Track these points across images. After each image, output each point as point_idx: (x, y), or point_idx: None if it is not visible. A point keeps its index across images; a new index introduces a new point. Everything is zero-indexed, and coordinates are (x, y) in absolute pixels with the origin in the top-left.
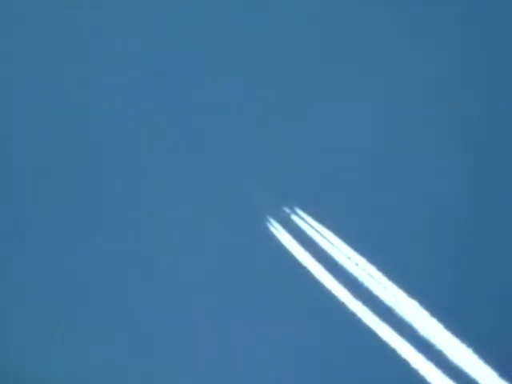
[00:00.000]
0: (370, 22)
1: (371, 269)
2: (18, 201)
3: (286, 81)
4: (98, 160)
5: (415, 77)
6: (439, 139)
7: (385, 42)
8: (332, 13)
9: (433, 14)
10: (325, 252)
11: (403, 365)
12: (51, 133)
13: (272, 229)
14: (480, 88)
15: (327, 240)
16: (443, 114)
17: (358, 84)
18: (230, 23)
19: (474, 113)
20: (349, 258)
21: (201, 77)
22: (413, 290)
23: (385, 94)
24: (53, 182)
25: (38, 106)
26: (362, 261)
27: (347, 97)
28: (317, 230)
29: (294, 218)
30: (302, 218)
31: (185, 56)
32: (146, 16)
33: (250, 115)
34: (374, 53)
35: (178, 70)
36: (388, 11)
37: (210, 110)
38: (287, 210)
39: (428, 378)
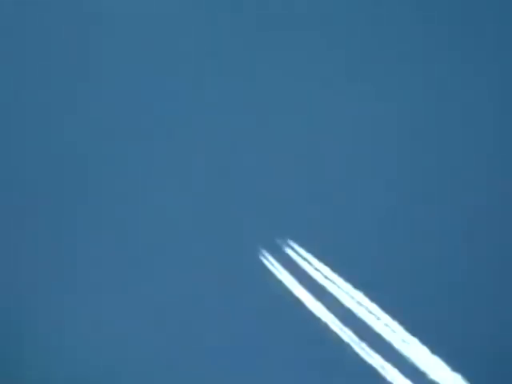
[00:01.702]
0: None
1: (368, 303)
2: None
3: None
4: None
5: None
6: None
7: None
8: (332, 17)
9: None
10: (318, 285)
11: None
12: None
13: (265, 261)
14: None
15: (321, 273)
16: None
17: (361, 116)
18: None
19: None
20: (344, 291)
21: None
22: (412, 326)
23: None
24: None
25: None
26: (357, 294)
27: (345, 128)
28: (310, 263)
29: (288, 250)
30: (296, 251)
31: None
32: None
33: (244, 142)
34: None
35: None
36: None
37: (199, 137)
38: (280, 241)
39: None
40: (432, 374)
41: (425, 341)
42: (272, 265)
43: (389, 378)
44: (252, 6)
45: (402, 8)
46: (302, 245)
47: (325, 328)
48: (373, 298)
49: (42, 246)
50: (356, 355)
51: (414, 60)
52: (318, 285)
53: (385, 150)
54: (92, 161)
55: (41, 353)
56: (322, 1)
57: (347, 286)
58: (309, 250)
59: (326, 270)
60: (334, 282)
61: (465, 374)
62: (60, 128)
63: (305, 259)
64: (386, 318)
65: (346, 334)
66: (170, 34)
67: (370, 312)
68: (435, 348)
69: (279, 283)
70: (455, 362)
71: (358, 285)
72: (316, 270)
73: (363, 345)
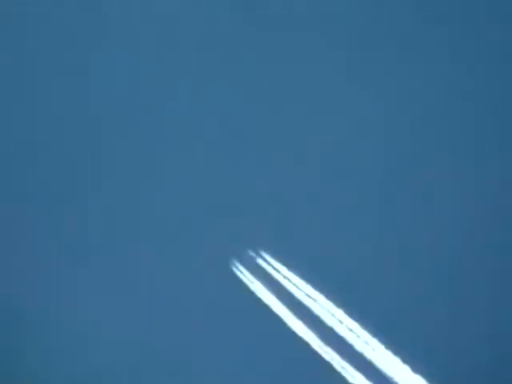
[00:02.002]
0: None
1: (339, 313)
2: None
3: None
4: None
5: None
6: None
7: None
8: (331, 17)
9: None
10: (292, 297)
11: None
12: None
13: (236, 271)
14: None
15: (294, 285)
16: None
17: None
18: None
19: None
20: (318, 303)
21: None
22: (385, 337)
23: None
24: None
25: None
26: (328, 304)
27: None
28: (281, 273)
29: (259, 260)
30: (267, 261)
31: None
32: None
33: (218, 154)
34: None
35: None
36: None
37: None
38: (252, 252)
39: None
40: None
41: (406, 359)
42: (243, 275)
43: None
44: (252, 5)
45: (401, 9)
46: (273, 255)
47: (295, 337)
48: (346, 310)
49: (42, 246)
50: (321, 359)
51: (413, 61)
52: (289, 295)
53: (364, 159)
54: (88, 165)
55: (41, 352)
56: (321, 1)
57: (318, 296)
58: (280, 261)
59: (297, 279)
60: (305, 293)
61: None
62: (60, 124)
63: (276, 269)
64: (359, 329)
65: (316, 343)
66: (170, 35)
67: (343, 323)
68: (416, 366)
69: (250, 293)
70: (437, 380)
71: (329, 294)
72: (287, 279)
73: (327, 349)
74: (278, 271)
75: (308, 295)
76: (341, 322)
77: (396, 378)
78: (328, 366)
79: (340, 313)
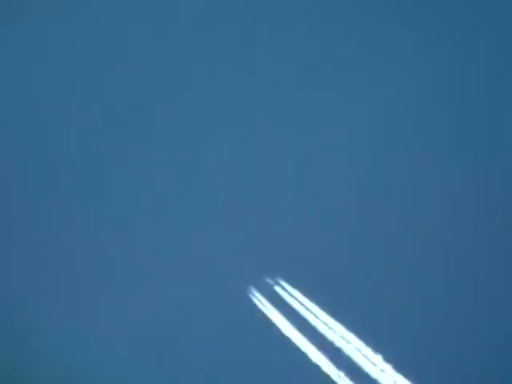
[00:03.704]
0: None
1: (358, 343)
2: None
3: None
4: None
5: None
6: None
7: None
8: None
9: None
10: (309, 324)
11: None
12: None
13: (254, 299)
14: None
15: (311, 312)
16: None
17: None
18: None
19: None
20: (334, 331)
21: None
22: (403, 367)
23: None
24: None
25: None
26: (348, 335)
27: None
28: (301, 302)
29: (278, 288)
30: (286, 290)
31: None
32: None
33: (233, 181)
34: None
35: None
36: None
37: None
38: (270, 280)
39: None
40: None
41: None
42: (261, 303)
43: None
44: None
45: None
46: (291, 283)
47: (315, 367)
48: (362, 337)
49: (42, 248)
50: None
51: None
52: (307, 323)
53: (379, 187)
54: (88, 171)
55: (40, 352)
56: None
57: (337, 325)
58: (298, 289)
59: (316, 308)
60: (323, 322)
61: None
62: (59, 128)
63: (294, 298)
64: (377, 358)
65: (335, 373)
66: (170, 35)
67: (360, 351)
68: None
69: (268, 321)
70: None
71: (348, 324)
72: (306, 308)
73: (346, 379)
74: (295, 298)
75: (325, 323)
76: (359, 351)
77: None
78: None
79: (357, 341)
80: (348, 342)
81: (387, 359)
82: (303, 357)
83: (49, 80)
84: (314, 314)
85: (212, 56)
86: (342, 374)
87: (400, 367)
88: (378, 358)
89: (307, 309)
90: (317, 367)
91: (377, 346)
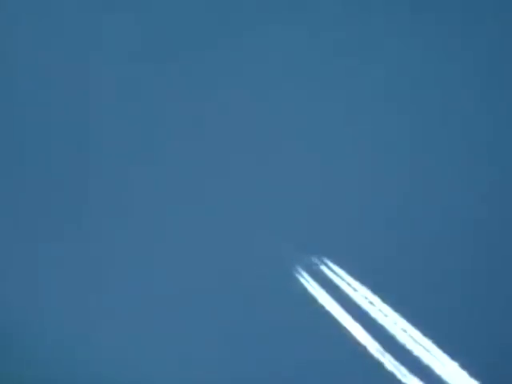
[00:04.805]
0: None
1: (400, 320)
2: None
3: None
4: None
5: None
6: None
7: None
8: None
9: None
10: (353, 302)
11: None
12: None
13: (300, 278)
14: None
15: (355, 290)
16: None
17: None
18: None
19: None
20: (377, 308)
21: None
22: (441, 341)
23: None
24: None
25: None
26: (389, 311)
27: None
28: (345, 280)
29: (323, 267)
30: (331, 268)
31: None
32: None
33: (275, 165)
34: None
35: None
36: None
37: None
38: (315, 259)
39: None
40: None
41: (465, 365)
42: (308, 282)
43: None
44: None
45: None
46: (337, 263)
47: (360, 346)
48: (406, 315)
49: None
50: (389, 373)
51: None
52: (353, 303)
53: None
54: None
55: (39, 351)
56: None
57: (383, 305)
58: (345, 268)
59: (362, 288)
60: (370, 301)
61: None
62: (61, 127)
63: (340, 277)
64: (423, 340)
65: (380, 353)
66: (169, 36)
67: (405, 331)
68: (473, 372)
69: (315, 301)
70: None
71: (393, 303)
72: (352, 288)
73: (395, 361)
74: (341, 278)
75: (371, 303)
76: (404, 331)
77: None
78: (388, 374)
79: (402, 321)
80: (394, 323)
81: (431, 336)
82: (347, 335)
83: (49, 79)
84: (361, 294)
85: (212, 55)
86: (387, 354)
87: (442, 345)
88: (420, 336)
89: (354, 289)
90: (360, 345)
91: (424, 327)
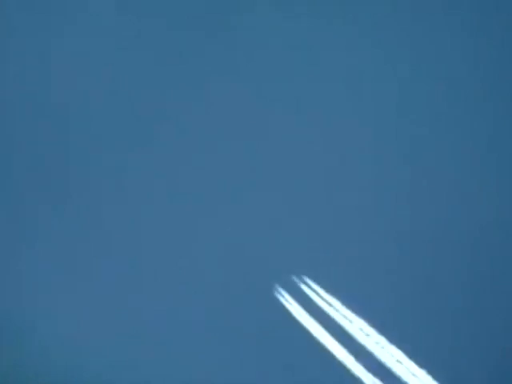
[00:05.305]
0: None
1: (383, 341)
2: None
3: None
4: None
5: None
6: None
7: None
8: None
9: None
10: (334, 322)
11: None
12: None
13: (280, 298)
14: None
15: (337, 310)
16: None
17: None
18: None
19: None
20: (360, 328)
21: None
22: (424, 363)
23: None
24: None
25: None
26: (372, 331)
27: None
28: (326, 300)
29: (303, 287)
30: (312, 288)
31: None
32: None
33: (256, 177)
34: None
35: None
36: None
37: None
38: (296, 278)
39: None
40: None
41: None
42: (285, 300)
43: None
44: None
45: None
46: (315, 280)
47: (340, 366)
48: (387, 335)
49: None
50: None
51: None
52: (332, 321)
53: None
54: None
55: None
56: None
57: (362, 323)
58: (324, 287)
59: (339, 304)
60: (349, 320)
61: None
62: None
63: (319, 296)
64: (398, 354)
65: (360, 370)
66: (168, 37)
67: (384, 348)
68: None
69: (292, 318)
70: None
71: (373, 322)
72: (331, 306)
73: (369, 374)
74: (320, 296)
75: (349, 320)
76: (385, 349)
77: None
78: None
79: (382, 340)
80: (371, 339)
81: (410, 356)
82: (326, 353)
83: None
84: (339, 311)
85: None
86: (366, 371)
87: (419, 361)
88: (401, 355)
89: (332, 306)
90: (341, 364)
91: (400, 343)
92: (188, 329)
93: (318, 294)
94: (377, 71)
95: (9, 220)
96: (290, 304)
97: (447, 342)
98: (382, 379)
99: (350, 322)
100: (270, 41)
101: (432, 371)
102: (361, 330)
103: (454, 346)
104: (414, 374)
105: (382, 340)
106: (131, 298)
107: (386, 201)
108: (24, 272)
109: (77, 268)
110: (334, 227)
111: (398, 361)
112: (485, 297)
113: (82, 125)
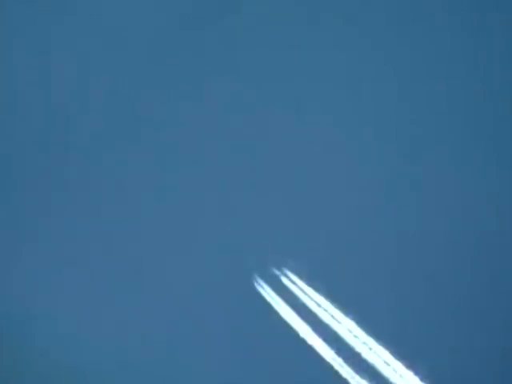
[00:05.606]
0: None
1: (360, 333)
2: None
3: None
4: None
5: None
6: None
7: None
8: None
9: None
10: (313, 314)
11: None
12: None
13: (259, 288)
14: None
15: (315, 302)
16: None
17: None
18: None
19: None
20: (339, 321)
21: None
22: (405, 356)
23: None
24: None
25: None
26: (351, 324)
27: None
28: (305, 292)
29: (283, 278)
30: (291, 279)
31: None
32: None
33: (240, 172)
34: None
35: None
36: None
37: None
38: (275, 270)
39: None
40: None
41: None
42: (265, 292)
43: None
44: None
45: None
46: (295, 272)
47: (318, 358)
48: (365, 326)
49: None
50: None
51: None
52: (310, 312)
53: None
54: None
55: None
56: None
57: (341, 316)
58: (304, 279)
59: (318, 296)
60: (328, 312)
61: None
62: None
63: (300, 288)
64: (378, 348)
65: (338, 363)
66: (168, 38)
67: (364, 343)
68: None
69: (272, 310)
70: None
71: (351, 314)
72: (310, 298)
73: (347, 367)
74: (299, 288)
75: (329, 312)
76: (364, 344)
77: None
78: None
79: (362, 333)
80: (351, 333)
81: (390, 350)
82: (306, 345)
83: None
84: (318, 304)
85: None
86: (344, 364)
87: (401, 357)
88: (380, 349)
89: (311, 298)
90: (320, 357)
91: (380, 338)
92: (174, 324)
93: (298, 286)
94: (377, 71)
95: (9, 220)
96: (271, 297)
97: (442, 343)
98: (359, 372)
99: (332, 316)
100: (270, 41)
101: (420, 372)
102: (338, 321)
103: (453, 346)
104: (401, 376)
105: (352, 325)
106: (130, 298)
107: (375, 197)
108: (24, 272)
109: (77, 268)
110: (313, 221)
111: (377, 354)
112: (485, 297)
113: (81, 125)
